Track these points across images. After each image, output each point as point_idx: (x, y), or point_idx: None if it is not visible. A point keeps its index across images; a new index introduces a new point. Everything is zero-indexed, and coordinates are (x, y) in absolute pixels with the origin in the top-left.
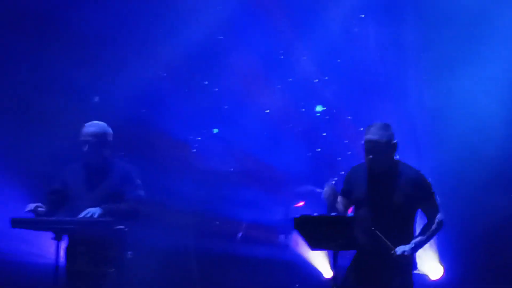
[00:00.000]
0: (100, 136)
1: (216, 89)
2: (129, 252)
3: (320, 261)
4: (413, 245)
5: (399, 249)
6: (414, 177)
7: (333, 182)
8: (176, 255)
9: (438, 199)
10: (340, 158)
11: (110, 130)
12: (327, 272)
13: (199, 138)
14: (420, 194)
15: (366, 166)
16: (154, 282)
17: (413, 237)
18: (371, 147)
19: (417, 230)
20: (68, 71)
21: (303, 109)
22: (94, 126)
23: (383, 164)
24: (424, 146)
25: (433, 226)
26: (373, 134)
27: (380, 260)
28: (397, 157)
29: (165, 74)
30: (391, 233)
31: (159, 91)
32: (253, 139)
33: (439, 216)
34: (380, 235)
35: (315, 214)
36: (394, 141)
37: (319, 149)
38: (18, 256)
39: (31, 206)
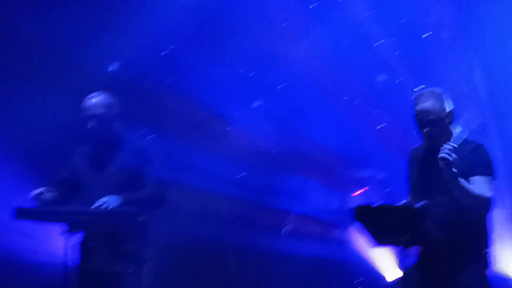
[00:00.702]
0: (106, 107)
1: (255, 54)
2: (151, 248)
3: (385, 260)
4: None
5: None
6: (474, 152)
7: None
8: (209, 252)
9: (492, 182)
10: (405, 137)
11: (116, 100)
12: (393, 273)
13: (238, 114)
14: (475, 166)
15: (423, 145)
16: (182, 284)
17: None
18: (423, 118)
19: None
20: (80, 31)
21: (362, 78)
22: (97, 96)
23: (440, 137)
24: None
25: (480, 186)
26: (423, 102)
27: (449, 257)
28: (459, 130)
29: (191, 33)
30: (457, 222)
31: (186, 56)
32: (302, 114)
33: (488, 190)
34: None
35: (376, 203)
36: (450, 109)
37: (385, 124)
38: (22, 254)
39: (37, 191)
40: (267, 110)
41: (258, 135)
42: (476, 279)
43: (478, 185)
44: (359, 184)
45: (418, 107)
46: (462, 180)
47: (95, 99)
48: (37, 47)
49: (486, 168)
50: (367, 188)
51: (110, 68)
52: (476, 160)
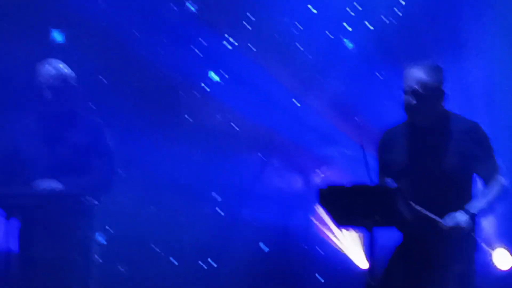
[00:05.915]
0: (66, 80)
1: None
2: (99, 234)
3: (352, 248)
4: (470, 213)
5: (452, 220)
6: (470, 130)
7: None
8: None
9: (498, 160)
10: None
11: (72, 72)
12: (361, 262)
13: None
14: (477, 151)
15: (405, 125)
16: (134, 274)
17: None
18: (416, 92)
19: None
20: None
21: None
22: (56, 66)
23: (430, 115)
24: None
25: (494, 189)
26: (422, 74)
27: (431, 244)
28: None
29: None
30: (445, 207)
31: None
32: (258, 89)
33: (500, 179)
34: (421, 209)
35: (346, 184)
36: (442, 87)
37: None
38: None
39: None
40: (224, 90)
41: (214, 113)
42: (464, 265)
43: (494, 171)
44: (324, 163)
45: (414, 78)
46: (481, 205)
47: (56, 69)
48: None
49: (491, 147)
50: (331, 168)
51: (57, 39)
52: (482, 142)
